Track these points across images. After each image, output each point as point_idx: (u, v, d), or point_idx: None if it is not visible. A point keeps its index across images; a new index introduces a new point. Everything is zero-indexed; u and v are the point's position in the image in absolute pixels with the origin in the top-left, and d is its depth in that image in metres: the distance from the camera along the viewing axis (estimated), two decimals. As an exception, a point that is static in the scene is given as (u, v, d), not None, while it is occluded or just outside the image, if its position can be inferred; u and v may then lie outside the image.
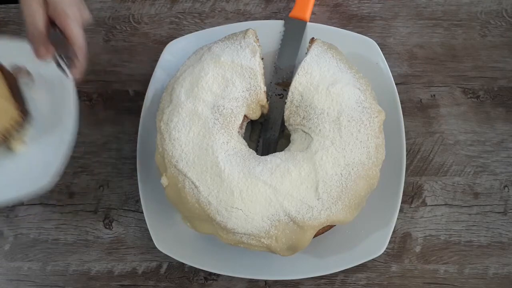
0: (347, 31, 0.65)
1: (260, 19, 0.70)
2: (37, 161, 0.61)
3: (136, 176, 0.62)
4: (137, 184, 0.62)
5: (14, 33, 0.71)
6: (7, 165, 0.61)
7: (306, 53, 0.59)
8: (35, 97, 0.63)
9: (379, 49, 0.63)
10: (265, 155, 0.57)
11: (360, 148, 0.55)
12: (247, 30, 0.61)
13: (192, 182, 0.54)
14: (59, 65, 0.55)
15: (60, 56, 0.55)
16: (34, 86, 0.63)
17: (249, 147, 0.59)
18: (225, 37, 0.61)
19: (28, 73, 0.63)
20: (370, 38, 0.64)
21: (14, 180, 0.60)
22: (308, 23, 0.65)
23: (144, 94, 0.64)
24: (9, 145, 0.61)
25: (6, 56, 0.62)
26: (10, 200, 0.60)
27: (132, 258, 0.63)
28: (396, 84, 0.63)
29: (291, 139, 0.59)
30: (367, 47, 0.64)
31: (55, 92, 0.62)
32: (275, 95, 0.63)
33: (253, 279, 0.61)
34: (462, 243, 0.62)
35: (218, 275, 0.62)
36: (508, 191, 0.64)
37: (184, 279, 0.63)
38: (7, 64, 0.62)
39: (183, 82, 0.57)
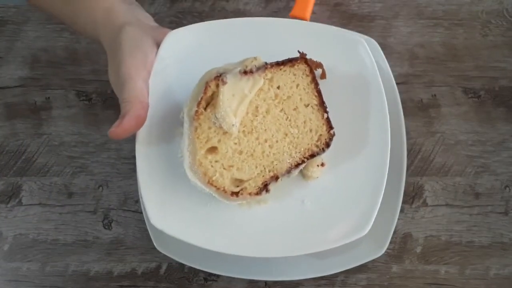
0: (345, 30, 0.64)
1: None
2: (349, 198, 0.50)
3: (136, 176, 0.62)
4: (137, 184, 0.62)
5: (13, 33, 0.71)
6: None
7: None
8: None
9: (380, 48, 0.63)
10: None
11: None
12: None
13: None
14: None
15: None
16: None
17: None
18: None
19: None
20: (370, 37, 0.64)
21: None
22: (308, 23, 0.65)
23: (144, 93, 0.64)
24: (305, 171, 0.50)
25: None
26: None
27: (131, 259, 0.63)
28: (396, 83, 0.63)
29: None
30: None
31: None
32: None
33: (253, 279, 0.61)
34: (463, 243, 0.62)
35: (218, 275, 0.62)
36: (509, 191, 0.64)
37: (183, 280, 0.63)
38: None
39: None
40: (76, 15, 0.53)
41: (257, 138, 0.48)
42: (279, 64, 0.50)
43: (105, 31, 0.51)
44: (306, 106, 0.50)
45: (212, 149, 0.48)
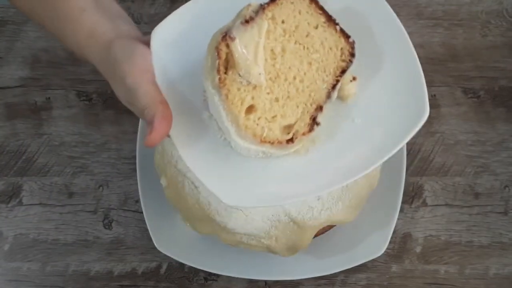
0: None
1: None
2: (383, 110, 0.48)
3: (136, 176, 0.62)
4: (137, 184, 0.62)
5: (14, 33, 0.71)
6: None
7: None
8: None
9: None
10: None
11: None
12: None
13: (192, 182, 0.54)
14: None
15: None
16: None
17: None
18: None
19: None
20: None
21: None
22: None
23: (144, 94, 0.64)
24: (341, 93, 0.49)
25: None
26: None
27: (131, 259, 0.63)
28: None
29: None
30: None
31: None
32: None
33: (253, 279, 0.61)
34: (463, 243, 0.62)
35: (218, 275, 0.62)
36: (508, 191, 0.64)
37: (184, 280, 0.63)
38: None
39: None
40: (63, 34, 0.53)
41: (285, 79, 0.47)
42: (273, 0, 0.48)
43: (91, 51, 0.51)
44: (316, 27, 0.49)
45: (250, 108, 0.46)
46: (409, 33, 0.69)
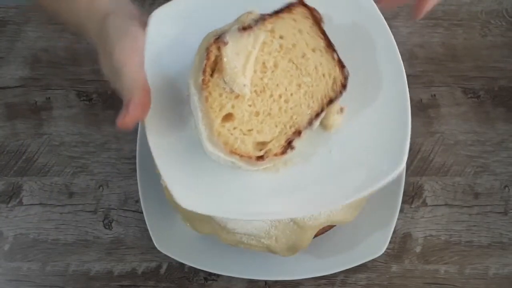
0: None
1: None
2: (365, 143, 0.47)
3: (136, 176, 0.62)
4: (137, 184, 0.62)
5: (14, 33, 0.71)
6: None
7: None
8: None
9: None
10: None
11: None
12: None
13: None
14: None
15: None
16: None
17: None
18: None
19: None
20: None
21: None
22: None
23: (144, 94, 0.64)
24: (325, 121, 0.48)
25: None
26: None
27: (132, 259, 0.63)
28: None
29: None
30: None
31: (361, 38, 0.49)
32: None
33: (253, 279, 0.61)
34: (463, 243, 0.62)
35: (218, 275, 0.62)
36: (508, 191, 0.64)
37: (184, 279, 0.63)
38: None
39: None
40: (66, 7, 0.52)
41: (271, 96, 0.46)
42: (276, 12, 0.46)
43: (89, 21, 0.50)
44: (314, 50, 0.47)
45: (228, 116, 0.45)
46: (409, 33, 0.70)
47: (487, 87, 0.67)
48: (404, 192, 0.61)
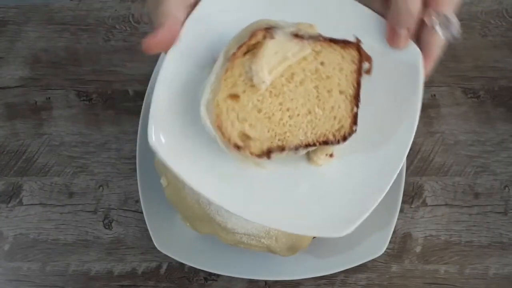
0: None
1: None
2: (346, 186, 0.48)
3: (136, 176, 0.62)
4: (137, 184, 0.62)
5: (14, 33, 0.71)
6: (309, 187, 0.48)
7: None
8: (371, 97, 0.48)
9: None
10: None
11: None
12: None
13: None
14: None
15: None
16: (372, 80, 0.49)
17: None
18: None
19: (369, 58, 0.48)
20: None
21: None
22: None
23: (144, 94, 0.64)
24: (312, 155, 0.49)
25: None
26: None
27: (132, 259, 0.63)
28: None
29: None
30: None
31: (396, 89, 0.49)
32: None
33: (253, 279, 0.61)
34: (463, 243, 0.62)
35: (218, 275, 0.62)
36: (508, 191, 0.64)
37: (184, 279, 0.63)
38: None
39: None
40: None
41: (280, 104, 0.46)
42: (331, 41, 0.47)
43: None
44: (341, 92, 0.47)
45: (234, 97, 0.45)
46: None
47: (487, 87, 0.67)
48: (404, 192, 0.61)
